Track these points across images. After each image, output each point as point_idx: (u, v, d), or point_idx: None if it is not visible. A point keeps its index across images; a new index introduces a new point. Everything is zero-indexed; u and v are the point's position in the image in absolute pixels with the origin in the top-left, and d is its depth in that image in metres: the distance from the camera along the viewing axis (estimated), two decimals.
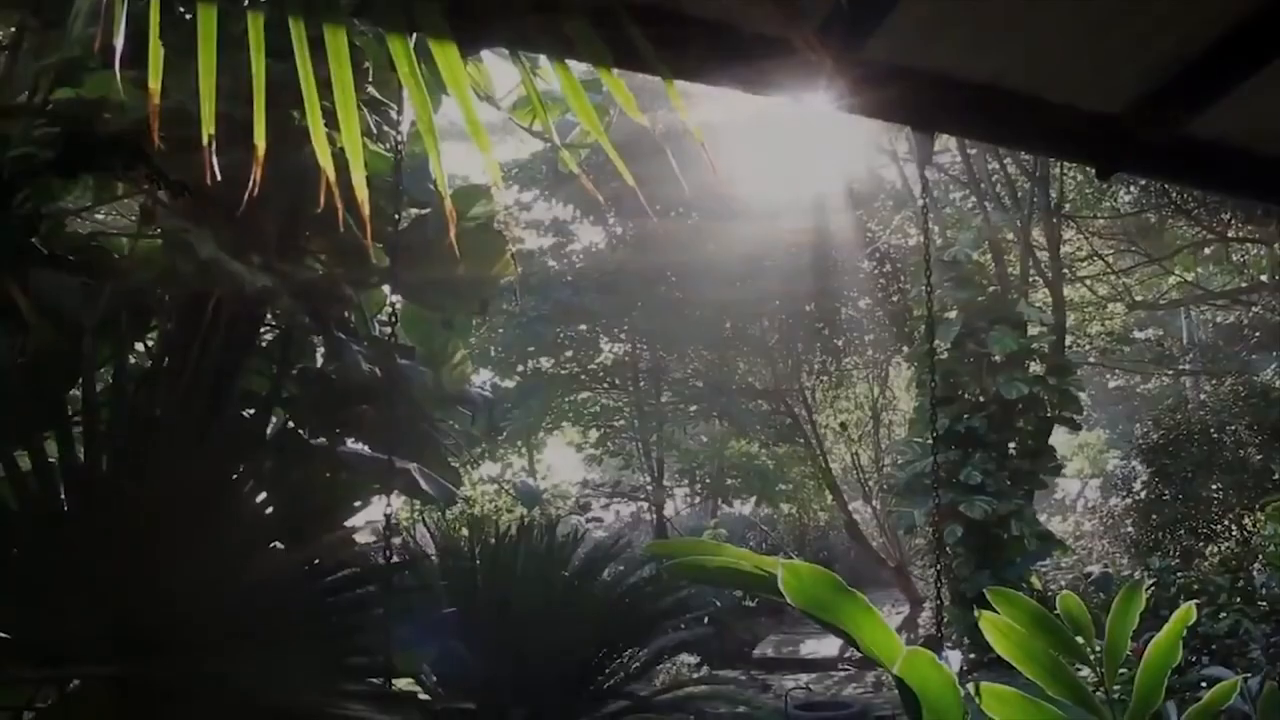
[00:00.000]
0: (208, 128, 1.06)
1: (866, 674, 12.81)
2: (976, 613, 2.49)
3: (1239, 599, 8.41)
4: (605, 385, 19.30)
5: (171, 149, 3.13)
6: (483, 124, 1.44)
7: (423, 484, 3.40)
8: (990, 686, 2.39)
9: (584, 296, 17.01)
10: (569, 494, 19.25)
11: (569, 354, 18.71)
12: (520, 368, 18.09)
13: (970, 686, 2.35)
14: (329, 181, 1.11)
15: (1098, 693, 2.60)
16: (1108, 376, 25.14)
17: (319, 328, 3.27)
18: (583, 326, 18.01)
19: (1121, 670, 2.73)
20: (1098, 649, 2.68)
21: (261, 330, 3.74)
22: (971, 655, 11.16)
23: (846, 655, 13.66)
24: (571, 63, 1.61)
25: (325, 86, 1.26)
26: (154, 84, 1.01)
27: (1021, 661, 2.49)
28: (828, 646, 14.17)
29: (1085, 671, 2.82)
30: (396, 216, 3.33)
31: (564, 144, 6.03)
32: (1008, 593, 2.58)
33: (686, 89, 1.90)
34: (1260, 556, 9.65)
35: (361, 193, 1.11)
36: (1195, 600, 3.05)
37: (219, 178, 1.10)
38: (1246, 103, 2.99)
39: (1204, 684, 6.46)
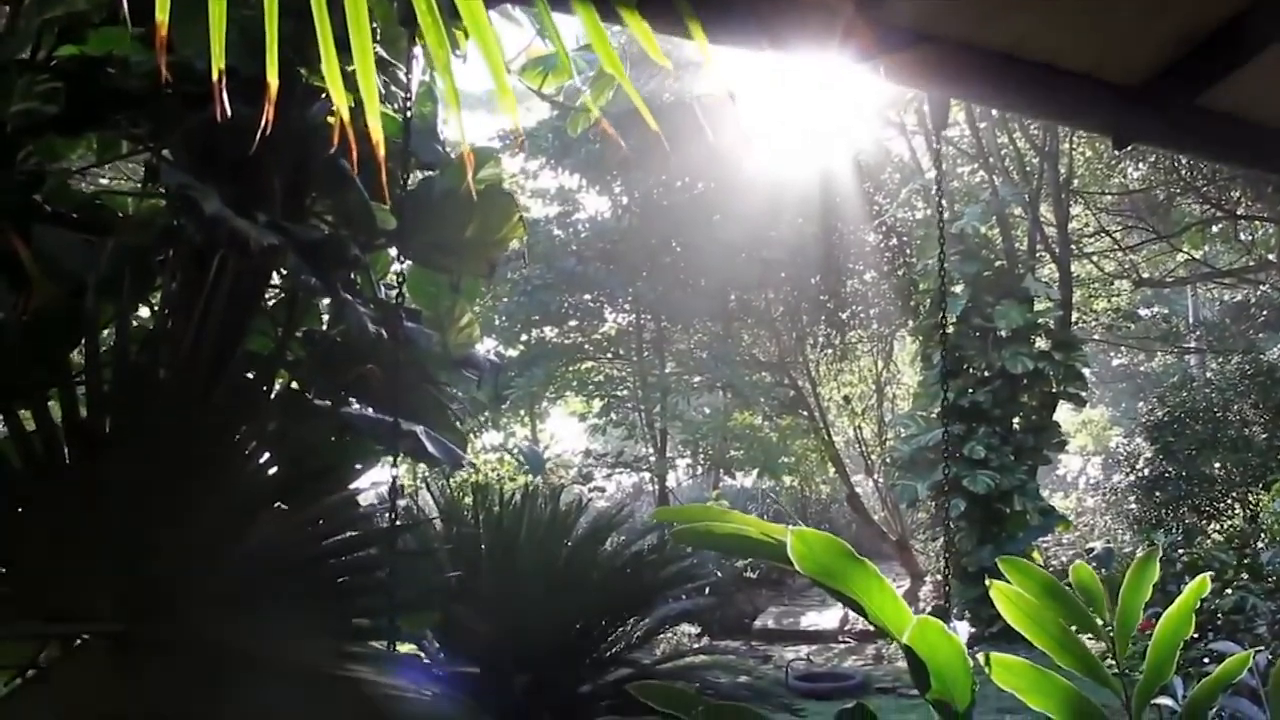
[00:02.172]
0: (218, 63, 1.02)
1: (867, 646, 12.87)
2: (987, 582, 2.46)
3: (1246, 574, 8.41)
4: (609, 355, 19.30)
5: (176, 104, 3.10)
6: (490, 87, 1.40)
7: (429, 447, 3.36)
8: (1000, 656, 2.37)
9: (588, 266, 16.99)
10: (572, 464, 19.28)
11: (573, 323, 18.68)
12: (524, 337, 18.08)
13: (980, 657, 2.33)
14: (344, 124, 1.08)
15: (1107, 663, 2.58)
16: (1112, 354, 25.16)
17: (325, 289, 3.23)
18: (587, 296, 17.97)
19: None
20: (1106, 621, 2.66)
21: (266, 294, 3.70)
22: (972, 630, 11.22)
23: (847, 627, 13.71)
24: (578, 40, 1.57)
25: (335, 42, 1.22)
26: (161, 15, 0.97)
27: (1031, 631, 2.47)
28: (828, 618, 14.23)
29: (1092, 644, 2.80)
30: (404, 178, 3.30)
31: (575, 108, 5.97)
32: (1019, 562, 2.56)
33: (698, 58, 1.86)
34: (1264, 533, 9.66)
35: (377, 134, 1.07)
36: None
37: (229, 114, 1.07)
38: (1264, 75, 2.97)
39: (1207, 659, 6.47)
